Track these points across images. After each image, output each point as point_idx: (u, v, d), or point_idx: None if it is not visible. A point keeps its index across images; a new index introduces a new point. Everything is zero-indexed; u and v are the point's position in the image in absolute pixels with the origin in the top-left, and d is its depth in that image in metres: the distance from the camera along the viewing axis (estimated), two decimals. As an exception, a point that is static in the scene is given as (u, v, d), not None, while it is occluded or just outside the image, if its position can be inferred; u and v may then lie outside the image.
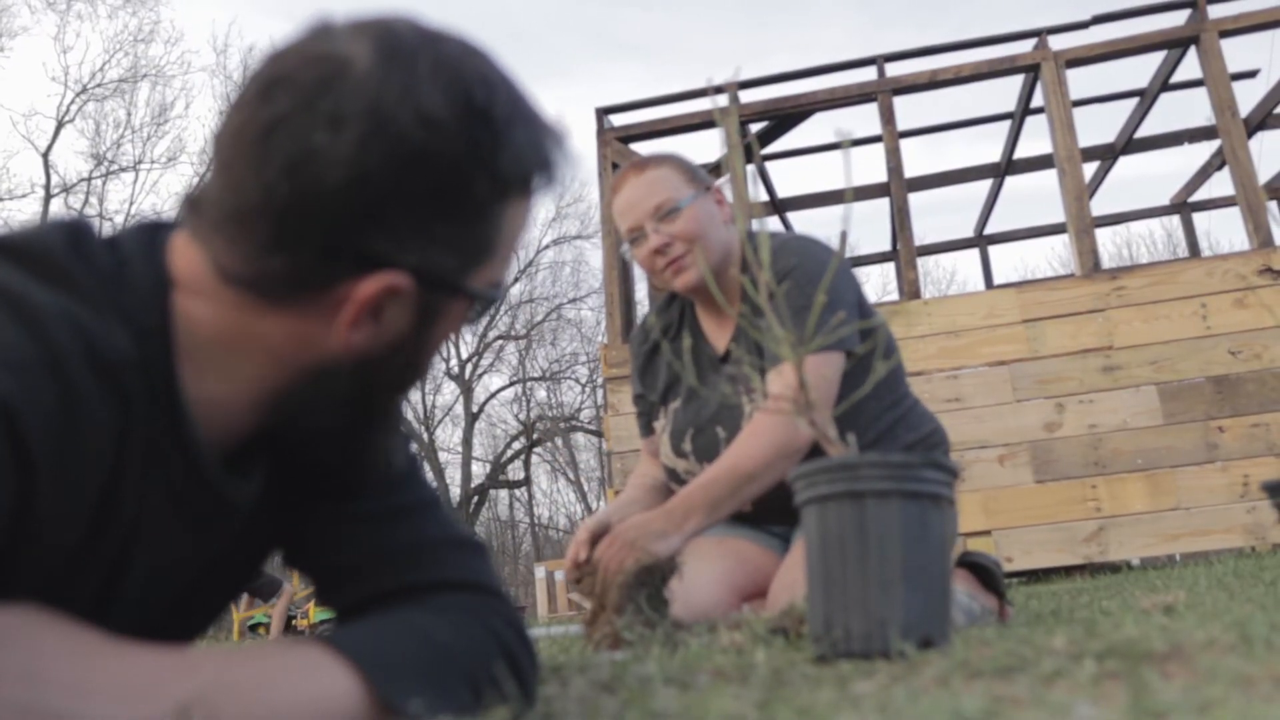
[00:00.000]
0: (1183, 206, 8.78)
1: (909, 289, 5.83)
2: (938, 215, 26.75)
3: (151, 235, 0.78)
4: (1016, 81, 6.46)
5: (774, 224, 8.42)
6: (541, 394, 25.47)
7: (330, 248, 0.72)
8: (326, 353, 0.77)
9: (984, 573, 1.86)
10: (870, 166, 7.41)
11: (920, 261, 6.67)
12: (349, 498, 0.91)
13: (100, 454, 0.68)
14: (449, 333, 0.83)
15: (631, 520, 1.74)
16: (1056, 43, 5.89)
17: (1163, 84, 6.64)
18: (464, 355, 24.50)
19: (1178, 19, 5.89)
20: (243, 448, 0.83)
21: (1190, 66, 6.11)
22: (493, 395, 24.98)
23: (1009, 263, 29.92)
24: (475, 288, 0.80)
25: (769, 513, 2.06)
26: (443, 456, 24.26)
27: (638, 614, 1.56)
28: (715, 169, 6.83)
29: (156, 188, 21.27)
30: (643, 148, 6.39)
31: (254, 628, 12.36)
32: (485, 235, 0.77)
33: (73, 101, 20.65)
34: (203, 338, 0.75)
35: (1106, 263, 19.25)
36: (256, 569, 0.97)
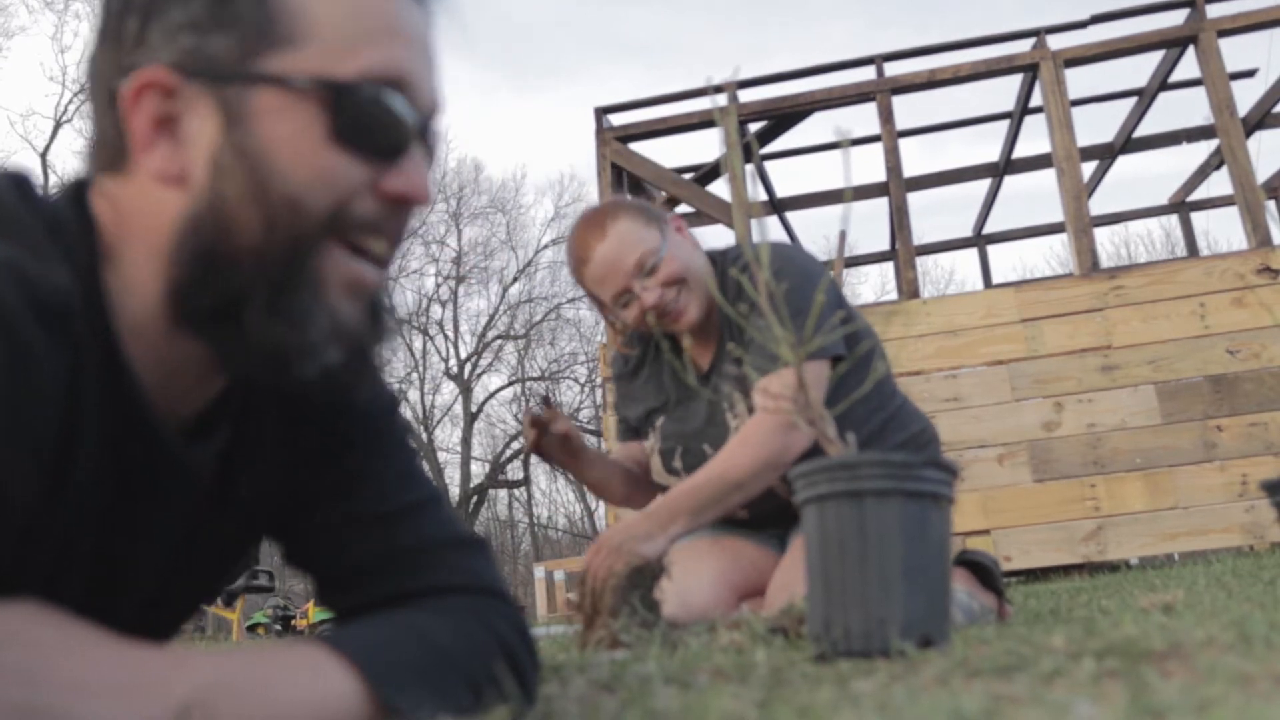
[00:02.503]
0: (1181, 206, 8.78)
1: (907, 288, 5.83)
2: (936, 215, 26.78)
3: (80, 183, 0.79)
4: (1015, 81, 6.46)
5: (773, 223, 8.41)
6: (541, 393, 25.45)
7: (110, 90, 0.75)
8: (169, 210, 0.74)
9: (983, 571, 1.86)
10: (869, 166, 7.41)
11: (919, 261, 6.68)
12: (352, 447, 0.90)
13: (53, 410, 0.67)
14: (296, 140, 0.75)
15: (616, 526, 1.77)
16: (1055, 42, 5.90)
17: (1161, 83, 6.64)
18: (463, 355, 24.52)
19: (1176, 18, 5.89)
20: (206, 413, 0.82)
21: (1189, 66, 6.12)
22: (491, 395, 24.99)
23: (1007, 262, 30.02)
24: (273, 73, 0.74)
25: (765, 519, 2.07)
26: (442, 456, 24.27)
27: (633, 615, 1.57)
28: (714, 169, 6.83)
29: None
30: (642, 147, 6.39)
31: (252, 629, 12.37)
32: (257, 9, 0.75)
33: (70, 101, 20.64)
34: (110, 257, 0.75)
35: (1105, 262, 19.26)
36: (236, 560, 0.94)
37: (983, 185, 8.43)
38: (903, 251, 5.92)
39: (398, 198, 0.79)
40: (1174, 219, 9.69)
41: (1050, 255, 28.73)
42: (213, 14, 0.74)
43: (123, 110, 0.74)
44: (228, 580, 0.99)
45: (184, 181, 0.74)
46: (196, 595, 0.95)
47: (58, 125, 20.60)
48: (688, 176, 6.82)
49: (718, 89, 5.69)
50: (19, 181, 0.74)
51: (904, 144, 6.40)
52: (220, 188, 0.73)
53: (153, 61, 0.74)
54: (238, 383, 0.85)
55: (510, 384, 25.11)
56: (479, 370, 24.72)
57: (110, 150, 0.77)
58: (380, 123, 0.77)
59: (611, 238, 1.95)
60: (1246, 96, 6.91)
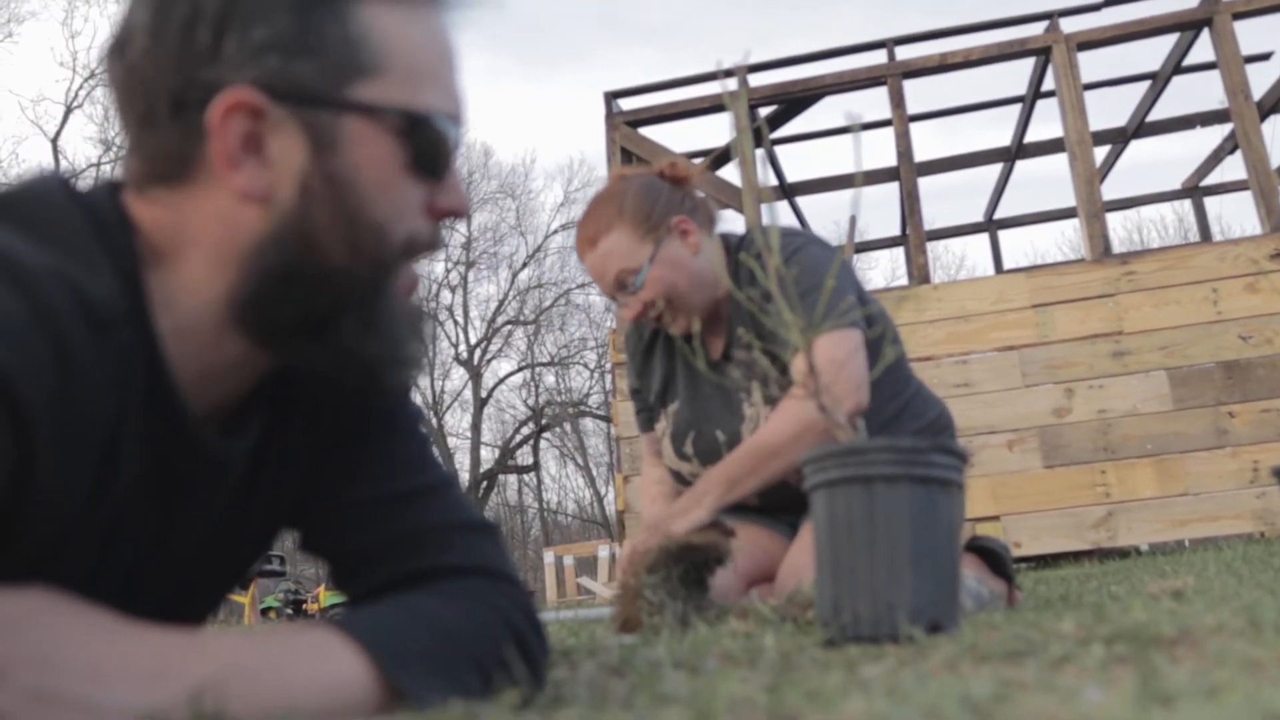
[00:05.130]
0: (1194, 191, 8.73)
1: (918, 274, 5.81)
2: (948, 200, 26.67)
3: (115, 185, 0.80)
4: (1027, 65, 6.41)
5: (783, 208, 8.39)
6: (550, 379, 25.51)
7: (175, 98, 0.74)
8: (248, 225, 0.76)
9: (993, 557, 1.86)
10: (880, 150, 7.39)
11: (930, 246, 6.66)
12: (365, 433, 0.91)
13: (100, 413, 0.68)
14: (379, 168, 0.78)
15: (659, 508, 1.79)
16: (1068, 25, 5.85)
17: (1175, 67, 6.59)
18: (473, 340, 24.56)
19: (1190, 1, 5.84)
20: (239, 408, 0.83)
21: (1203, 49, 6.07)
22: (501, 380, 25.06)
23: (1019, 247, 29.86)
24: (364, 101, 0.76)
25: (778, 506, 2.07)
26: (451, 442, 24.34)
27: (654, 593, 1.58)
28: (724, 154, 6.82)
29: (165, 173, 21.20)
30: (651, 132, 6.37)
31: (264, 613, 12.44)
32: (342, 37, 0.76)
33: (81, 86, 20.69)
34: (159, 261, 0.76)
35: (1117, 247, 19.17)
36: (264, 548, 0.96)
37: (994, 170, 8.39)
38: (914, 236, 5.90)
39: (448, 215, 0.84)
40: (1187, 204, 9.62)
41: (1062, 240, 28.55)
42: (299, 36, 0.74)
43: (209, 128, 0.74)
44: (252, 566, 1.01)
45: (268, 200, 0.75)
46: (225, 583, 0.96)
47: (68, 111, 20.63)
48: (698, 161, 6.80)
49: (728, 73, 5.67)
50: (64, 181, 0.75)
51: (915, 128, 6.36)
52: (309, 211, 0.76)
53: (231, 77, 0.73)
54: (271, 378, 0.86)
55: (520, 369, 25.16)
56: (489, 356, 24.78)
57: (172, 162, 0.76)
58: (444, 151, 0.81)
59: (600, 250, 1.97)
60: (1261, 80, 6.83)
